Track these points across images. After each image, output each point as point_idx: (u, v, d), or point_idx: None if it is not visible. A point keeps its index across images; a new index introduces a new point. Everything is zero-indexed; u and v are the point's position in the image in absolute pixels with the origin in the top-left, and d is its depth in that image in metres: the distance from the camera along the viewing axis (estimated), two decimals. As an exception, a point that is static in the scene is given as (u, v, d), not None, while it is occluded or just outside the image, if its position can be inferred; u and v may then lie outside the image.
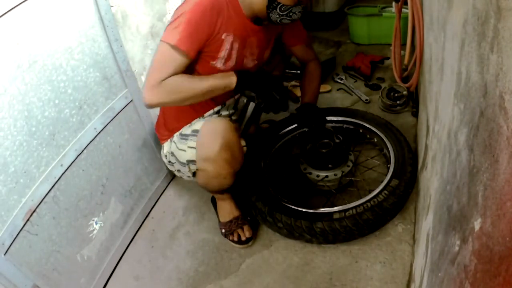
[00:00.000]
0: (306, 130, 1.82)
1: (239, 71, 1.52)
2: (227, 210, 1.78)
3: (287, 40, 1.80)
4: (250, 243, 1.70)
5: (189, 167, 1.63)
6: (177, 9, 1.45)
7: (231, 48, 1.53)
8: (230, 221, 1.75)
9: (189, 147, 1.59)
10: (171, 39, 1.39)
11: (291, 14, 1.50)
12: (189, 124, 1.66)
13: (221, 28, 1.46)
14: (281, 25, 1.61)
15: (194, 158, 1.58)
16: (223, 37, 1.48)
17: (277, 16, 1.50)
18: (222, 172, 1.55)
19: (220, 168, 1.54)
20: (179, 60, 1.42)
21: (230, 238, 1.73)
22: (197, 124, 1.62)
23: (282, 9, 1.48)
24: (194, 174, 1.65)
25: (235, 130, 1.56)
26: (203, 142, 1.54)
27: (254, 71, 1.67)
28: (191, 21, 1.39)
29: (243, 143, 1.62)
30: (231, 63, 1.57)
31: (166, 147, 1.73)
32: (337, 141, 1.75)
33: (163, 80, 1.40)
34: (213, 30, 1.44)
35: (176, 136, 1.67)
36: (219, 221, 1.79)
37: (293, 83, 2.59)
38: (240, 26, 1.52)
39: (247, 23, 1.54)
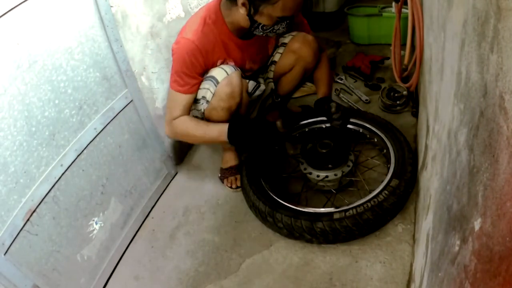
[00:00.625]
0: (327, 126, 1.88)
1: (232, 123, 1.71)
2: (227, 158, 2.07)
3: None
4: (239, 189, 1.95)
5: (201, 102, 1.78)
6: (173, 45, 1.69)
7: (226, 64, 1.76)
8: (227, 169, 2.04)
9: (201, 88, 1.75)
10: (174, 86, 1.69)
11: (274, 30, 1.66)
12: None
13: (214, 58, 1.72)
14: None
15: (207, 96, 1.74)
16: (218, 63, 1.74)
17: (261, 32, 1.67)
18: (221, 104, 1.73)
19: (220, 101, 1.72)
20: (184, 100, 1.71)
21: (225, 183, 2.03)
22: (213, 71, 1.74)
23: (264, 28, 1.64)
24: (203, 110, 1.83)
25: (241, 77, 1.75)
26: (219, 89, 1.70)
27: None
28: (184, 69, 1.65)
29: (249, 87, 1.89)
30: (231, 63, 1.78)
31: None
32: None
33: (174, 119, 1.73)
34: (204, 66, 1.70)
35: None
36: (220, 167, 2.08)
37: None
38: (233, 46, 1.75)
39: (239, 42, 1.75)
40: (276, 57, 1.99)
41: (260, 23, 1.61)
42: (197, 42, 1.63)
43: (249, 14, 1.58)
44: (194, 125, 1.74)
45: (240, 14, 1.61)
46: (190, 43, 1.63)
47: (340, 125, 1.75)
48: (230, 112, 1.77)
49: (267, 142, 1.72)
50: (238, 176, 2.00)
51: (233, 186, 1.99)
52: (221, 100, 1.71)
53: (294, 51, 1.93)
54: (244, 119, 1.80)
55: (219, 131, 1.71)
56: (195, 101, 1.79)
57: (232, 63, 1.77)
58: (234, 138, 1.69)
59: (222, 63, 1.74)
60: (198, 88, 1.72)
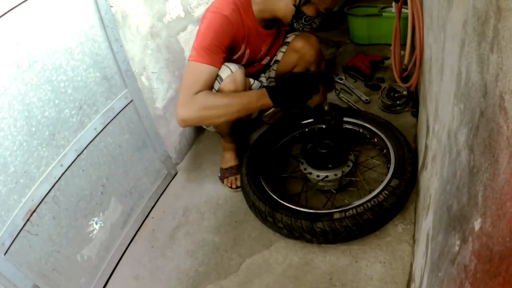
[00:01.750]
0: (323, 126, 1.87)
1: (269, 88, 1.64)
2: (227, 158, 2.08)
3: None
4: (238, 189, 1.94)
5: None
6: (199, 26, 1.62)
7: (243, 55, 1.78)
8: (226, 169, 2.04)
9: None
10: (198, 58, 1.56)
11: (312, 23, 1.75)
12: None
13: (237, 39, 1.68)
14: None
15: None
16: (240, 47, 1.73)
17: (301, 25, 1.74)
18: None
19: None
20: (208, 73, 1.57)
21: (224, 183, 2.02)
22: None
23: (306, 19, 1.71)
24: None
25: (244, 75, 1.71)
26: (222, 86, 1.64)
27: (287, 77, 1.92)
28: (214, 38, 1.57)
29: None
30: (240, 61, 1.80)
31: None
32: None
33: (195, 94, 1.53)
34: (233, 41, 1.65)
35: None
36: (220, 167, 2.07)
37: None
38: (254, 34, 1.75)
39: (260, 30, 1.77)
40: (279, 56, 2.01)
41: (304, 14, 1.68)
42: (230, 17, 1.61)
43: (298, 4, 1.64)
44: (221, 95, 1.59)
45: (281, 3, 1.65)
46: (223, 16, 1.60)
47: (334, 124, 1.75)
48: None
49: (310, 92, 1.67)
50: (238, 176, 2.00)
51: (233, 186, 1.99)
52: None
53: (297, 50, 1.96)
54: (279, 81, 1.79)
55: (258, 95, 1.61)
56: None
57: (247, 52, 1.79)
58: (278, 97, 1.61)
59: (242, 49, 1.76)
60: (221, 64, 1.63)
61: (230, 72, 1.66)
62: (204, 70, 1.56)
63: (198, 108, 1.54)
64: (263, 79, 2.05)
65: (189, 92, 1.54)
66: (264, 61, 1.99)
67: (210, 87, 1.61)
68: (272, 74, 2.06)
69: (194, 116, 1.56)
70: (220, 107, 1.56)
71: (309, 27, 1.75)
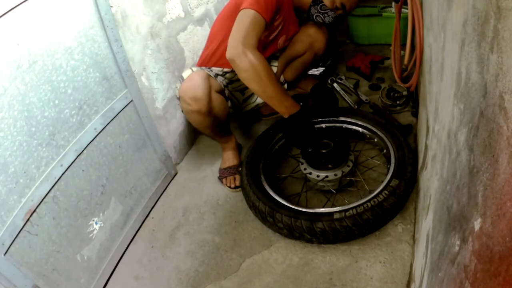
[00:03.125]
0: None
1: (295, 116, 1.64)
2: (226, 158, 2.08)
3: None
4: (238, 190, 1.96)
5: (178, 102, 1.84)
6: None
7: (276, 29, 1.87)
8: (225, 169, 2.04)
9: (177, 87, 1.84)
10: (255, 7, 1.60)
11: (325, 15, 1.86)
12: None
13: (279, 10, 1.76)
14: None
15: (177, 95, 1.83)
16: (277, 17, 1.80)
17: (315, 11, 1.86)
18: (189, 108, 1.75)
19: (187, 104, 1.74)
20: (262, 26, 1.63)
21: (224, 182, 2.02)
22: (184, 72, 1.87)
23: (322, 8, 1.84)
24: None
25: (204, 78, 1.74)
26: (181, 85, 1.77)
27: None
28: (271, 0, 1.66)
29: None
30: (270, 38, 1.90)
31: None
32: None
33: (251, 47, 1.54)
34: (277, 7, 1.71)
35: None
36: (219, 167, 2.08)
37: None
38: (288, 14, 1.86)
39: (292, 13, 1.90)
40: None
41: (322, 2, 1.83)
42: None
43: None
44: (270, 74, 1.58)
45: None
46: None
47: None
48: (203, 114, 1.77)
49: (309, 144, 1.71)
50: (237, 176, 2.00)
51: (232, 185, 1.98)
52: (187, 104, 1.74)
53: (309, 34, 2.04)
54: (303, 115, 1.67)
55: (287, 104, 1.63)
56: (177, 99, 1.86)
57: (280, 27, 1.89)
58: (291, 125, 1.66)
59: (278, 21, 1.84)
60: (269, 24, 1.70)
61: (190, 71, 1.77)
62: (259, 22, 1.61)
63: (248, 63, 1.53)
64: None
65: (245, 41, 1.54)
66: (280, 46, 2.03)
67: (258, 39, 1.63)
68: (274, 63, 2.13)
69: (244, 65, 1.54)
70: (262, 79, 1.55)
71: (322, 17, 1.88)
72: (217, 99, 1.82)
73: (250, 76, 1.55)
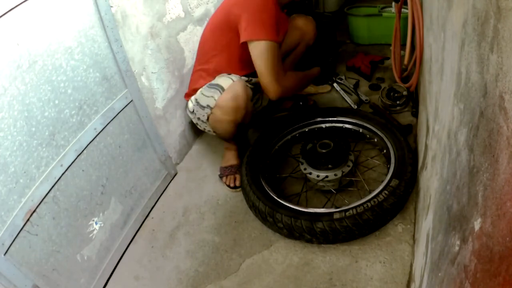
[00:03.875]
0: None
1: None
2: (227, 157, 2.09)
3: None
4: (238, 190, 1.96)
5: (206, 110, 1.83)
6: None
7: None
8: (226, 167, 2.04)
9: (208, 96, 1.80)
10: (271, 36, 1.65)
11: None
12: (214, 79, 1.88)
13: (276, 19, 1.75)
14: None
15: (210, 104, 1.79)
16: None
17: None
18: (226, 117, 1.78)
19: (225, 114, 1.77)
20: (278, 50, 1.72)
21: (223, 180, 2.03)
22: (219, 79, 1.84)
23: None
24: (208, 118, 1.86)
25: (245, 88, 1.77)
26: (222, 95, 1.76)
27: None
28: (272, 16, 1.66)
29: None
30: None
31: (192, 100, 1.93)
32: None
33: (283, 73, 1.75)
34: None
35: (202, 87, 1.88)
36: (220, 166, 2.09)
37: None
38: (279, 14, 1.78)
39: (279, 11, 1.82)
40: None
41: None
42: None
43: None
44: (295, 78, 1.88)
45: None
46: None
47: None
48: (236, 123, 1.80)
49: None
50: (238, 176, 2.00)
51: (232, 185, 1.99)
52: (226, 114, 1.75)
53: (299, 27, 2.06)
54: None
55: (311, 78, 1.98)
56: (201, 107, 1.82)
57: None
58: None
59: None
60: None
61: (231, 82, 1.73)
62: (277, 49, 1.70)
63: (286, 90, 1.78)
64: None
65: (278, 75, 1.72)
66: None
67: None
68: None
69: (283, 94, 1.78)
70: (297, 87, 1.91)
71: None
72: (250, 106, 1.86)
73: (293, 92, 1.94)
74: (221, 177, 2.05)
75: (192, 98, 1.92)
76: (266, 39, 1.63)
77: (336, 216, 1.52)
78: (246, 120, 1.90)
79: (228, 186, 2.00)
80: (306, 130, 2.08)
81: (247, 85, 1.82)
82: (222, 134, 1.93)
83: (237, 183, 1.98)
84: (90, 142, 1.55)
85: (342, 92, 2.45)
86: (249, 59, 1.72)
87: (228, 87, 1.75)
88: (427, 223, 1.19)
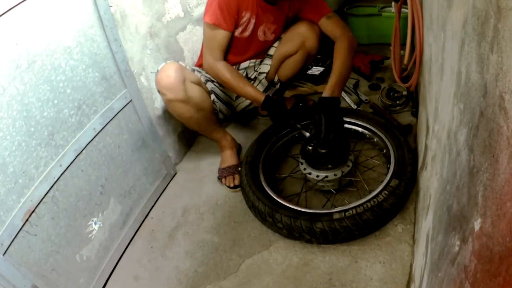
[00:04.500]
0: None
1: (268, 98, 1.82)
2: (225, 158, 2.09)
3: (307, 16, 1.97)
4: (237, 190, 1.96)
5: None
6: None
7: (248, 22, 1.84)
8: (224, 168, 2.04)
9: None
10: (212, 19, 1.73)
11: None
12: None
13: (241, 7, 1.77)
14: (291, 2, 1.90)
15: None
16: (243, 14, 1.79)
17: None
18: (165, 97, 1.80)
19: (163, 94, 1.79)
20: (222, 38, 1.79)
21: (222, 181, 2.03)
22: None
23: None
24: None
25: (177, 68, 1.77)
26: (156, 77, 1.80)
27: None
28: (224, 2, 1.71)
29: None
30: (246, 33, 1.88)
31: None
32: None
33: (216, 61, 1.82)
34: (238, 8, 1.75)
35: None
36: (219, 167, 2.09)
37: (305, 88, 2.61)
38: (255, 6, 1.80)
39: (261, 3, 1.82)
40: (276, 44, 2.08)
41: None
42: None
43: None
44: (234, 77, 1.84)
45: None
46: None
47: (323, 141, 1.70)
48: (183, 102, 1.79)
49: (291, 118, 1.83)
50: (237, 176, 2.00)
51: (231, 185, 1.98)
52: (163, 94, 1.78)
53: (301, 33, 1.99)
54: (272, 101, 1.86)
55: (256, 94, 1.83)
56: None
57: (252, 21, 1.85)
58: (268, 106, 1.82)
59: (246, 17, 1.82)
60: (234, 30, 1.82)
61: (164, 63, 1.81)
62: (219, 35, 1.79)
63: (215, 74, 1.87)
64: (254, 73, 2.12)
65: (211, 57, 1.84)
66: (263, 38, 1.99)
67: (224, 47, 1.84)
68: (265, 68, 2.11)
69: (213, 75, 1.92)
70: (229, 85, 1.86)
71: None
72: (193, 88, 1.83)
73: (222, 82, 1.90)
74: (220, 179, 2.04)
75: None
76: (208, 22, 1.76)
77: (336, 216, 1.51)
78: (202, 105, 1.87)
79: (228, 186, 1.99)
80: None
81: (184, 67, 1.84)
82: (183, 120, 1.92)
83: (236, 182, 1.98)
84: (89, 142, 1.55)
85: (342, 92, 2.44)
86: (237, 44, 1.90)
87: (160, 69, 1.80)
88: (427, 223, 1.19)
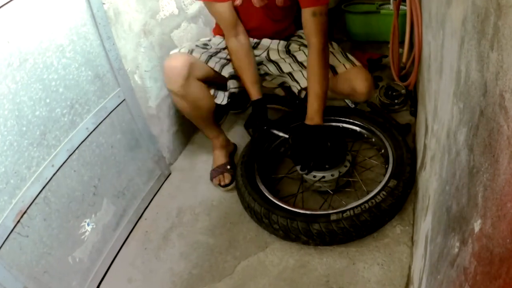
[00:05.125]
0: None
1: (257, 101, 1.81)
2: (215, 158, 2.09)
3: None
4: (228, 188, 1.96)
5: None
6: None
7: None
8: (214, 169, 2.04)
9: None
10: None
11: None
12: None
13: None
14: None
15: None
16: None
17: None
18: (167, 86, 1.80)
19: (166, 82, 1.80)
20: (218, 10, 1.73)
21: (214, 181, 2.01)
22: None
23: None
24: None
25: (185, 64, 1.74)
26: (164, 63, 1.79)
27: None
28: None
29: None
30: (238, 2, 1.73)
31: None
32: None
33: (228, 38, 1.79)
34: None
35: None
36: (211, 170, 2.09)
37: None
38: None
39: None
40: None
41: None
42: None
43: None
44: (238, 65, 1.82)
45: None
46: None
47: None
48: (181, 98, 1.79)
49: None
50: (226, 174, 1.99)
51: (221, 183, 1.97)
52: (166, 82, 1.79)
53: (348, 79, 1.81)
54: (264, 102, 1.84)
55: (250, 89, 1.81)
56: None
57: None
58: (254, 107, 1.82)
59: None
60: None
61: (176, 51, 1.80)
62: (213, 7, 1.74)
63: (230, 50, 1.82)
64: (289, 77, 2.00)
65: (224, 32, 1.80)
66: (259, 4, 1.77)
67: (229, 21, 1.75)
68: (299, 76, 1.94)
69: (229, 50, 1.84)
70: (236, 66, 1.83)
71: None
72: (195, 86, 1.80)
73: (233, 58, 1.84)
74: (211, 179, 2.04)
75: None
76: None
77: (333, 217, 1.50)
78: (199, 103, 1.84)
79: (219, 185, 1.99)
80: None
81: (194, 62, 1.77)
82: (180, 109, 1.93)
83: (226, 181, 1.97)
84: (82, 142, 1.53)
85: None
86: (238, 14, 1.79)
87: (170, 56, 1.80)
88: (426, 224, 1.19)
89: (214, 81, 1.88)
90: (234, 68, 1.88)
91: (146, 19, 1.87)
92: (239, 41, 1.78)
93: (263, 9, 1.77)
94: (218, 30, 1.81)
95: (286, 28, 1.95)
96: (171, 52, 1.82)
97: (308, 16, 1.64)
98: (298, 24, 1.85)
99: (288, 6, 1.79)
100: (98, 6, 1.52)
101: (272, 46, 1.93)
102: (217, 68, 1.85)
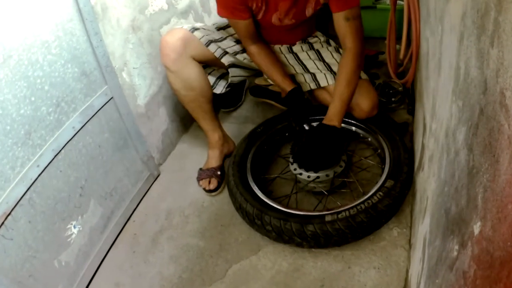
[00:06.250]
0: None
1: (294, 90, 1.79)
2: (208, 158, 2.05)
3: (330, 3, 1.66)
4: (213, 194, 1.93)
5: None
6: None
7: (259, 10, 1.72)
8: (203, 170, 2.00)
9: None
10: (225, 14, 1.72)
11: None
12: None
13: None
14: None
15: None
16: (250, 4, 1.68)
17: None
18: (161, 59, 1.79)
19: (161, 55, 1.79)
20: (240, 25, 1.75)
21: (200, 183, 1.98)
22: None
23: None
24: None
25: (182, 39, 1.76)
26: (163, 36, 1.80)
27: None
28: None
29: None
30: (260, 17, 1.75)
31: None
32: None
33: (247, 46, 1.82)
34: None
35: None
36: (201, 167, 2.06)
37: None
38: None
39: None
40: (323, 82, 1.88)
41: None
42: None
43: None
44: (264, 64, 1.82)
45: None
46: None
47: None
48: (174, 74, 1.78)
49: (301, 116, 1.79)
50: (213, 179, 1.94)
51: (207, 188, 1.93)
52: (160, 55, 1.78)
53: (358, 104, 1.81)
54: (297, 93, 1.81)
55: (282, 83, 1.80)
56: None
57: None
58: (290, 99, 1.79)
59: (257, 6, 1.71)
60: (249, 16, 1.72)
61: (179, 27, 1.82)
62: (235, 23, 1.76)
63: (252, 57, 1.85)
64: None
65: (242, 42, 1.84)
66: (278, 23, 1.80)
67: (254, 33, 1.79)
68: (320, 77, 1.90)
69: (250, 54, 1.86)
70: (262, 69, 1.86)
71: None
72: (190, 66, 1.79)
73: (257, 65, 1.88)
74: (198, 180, 2.00)
75: None
76: (221, 16, 1.76)
77: (328, 218, 1.49)
78: (194, 84, 1.82)
79: (204, 189, 1.95)
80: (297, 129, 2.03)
81: (191, 40, 1.78)
82: (174, 90, 1.89)
83: (212, 187, 1.93)
84: (68, 142, 1.51)
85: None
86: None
87: (172, 29, 1.81)
88: (424, 226, 1.19)
89: (214, 64, 1.93)
90: (234, 58, 1.90)
91: (135, 15, 1.85)
92: (258, 46, 1.81)
93: (292, 24, 1.82)
94: (223, 12, 1.73)
95: (309, 35, 2.00)
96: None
97: (341, 21, 1.67)
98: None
99: (313, 14, 1.81)
100: (84, 1, 1.50)
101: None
102: (217, 54, 1.85)
